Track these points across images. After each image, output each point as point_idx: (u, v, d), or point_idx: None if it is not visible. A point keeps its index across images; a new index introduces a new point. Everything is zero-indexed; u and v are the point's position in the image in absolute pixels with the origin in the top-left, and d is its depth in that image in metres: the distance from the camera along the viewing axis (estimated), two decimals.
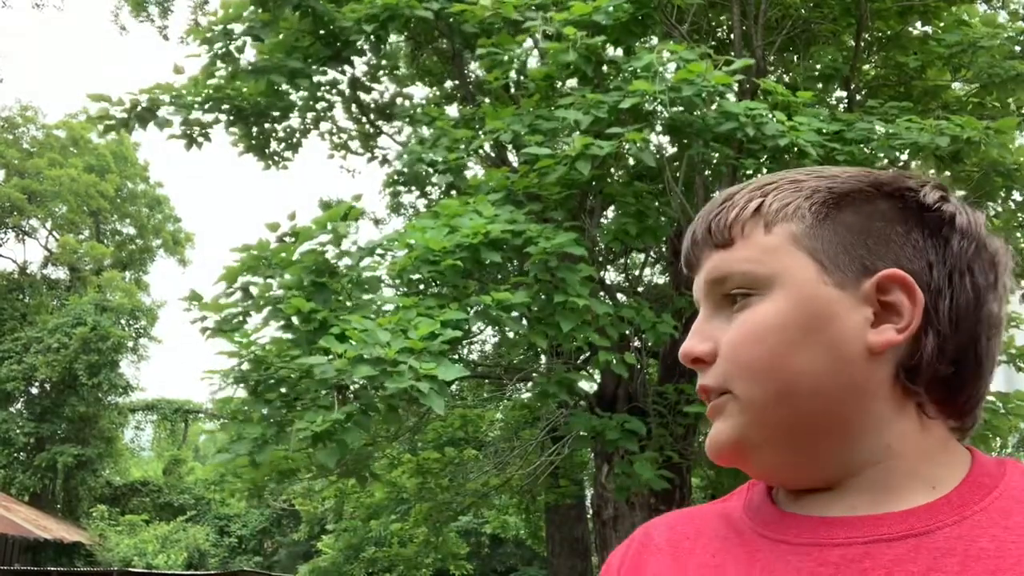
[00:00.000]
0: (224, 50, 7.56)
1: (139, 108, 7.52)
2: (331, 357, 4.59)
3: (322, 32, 7.60)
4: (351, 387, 4.80)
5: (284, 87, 7.71)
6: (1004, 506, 0.72)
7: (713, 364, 0.77)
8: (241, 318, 5.60)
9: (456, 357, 4.99)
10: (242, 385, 5.40)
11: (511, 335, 6.42)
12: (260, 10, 7.32)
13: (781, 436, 0.76)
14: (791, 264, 0.76)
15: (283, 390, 5.33)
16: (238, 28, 7.51)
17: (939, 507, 0.72)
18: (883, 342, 0.73)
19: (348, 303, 5.48)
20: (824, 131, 5.50)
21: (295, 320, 5.28)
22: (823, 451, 0.76)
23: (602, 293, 7.02)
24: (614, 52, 6.41)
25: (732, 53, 6.63)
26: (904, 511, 0.72)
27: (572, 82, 6.53)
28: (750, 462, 0.78)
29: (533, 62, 7.15)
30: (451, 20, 7.18)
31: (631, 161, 6.11)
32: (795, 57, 8.20)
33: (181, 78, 7.79)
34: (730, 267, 0.78)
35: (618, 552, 0.86)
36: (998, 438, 6.90)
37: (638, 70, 5.53)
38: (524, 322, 5.55)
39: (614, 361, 6.05)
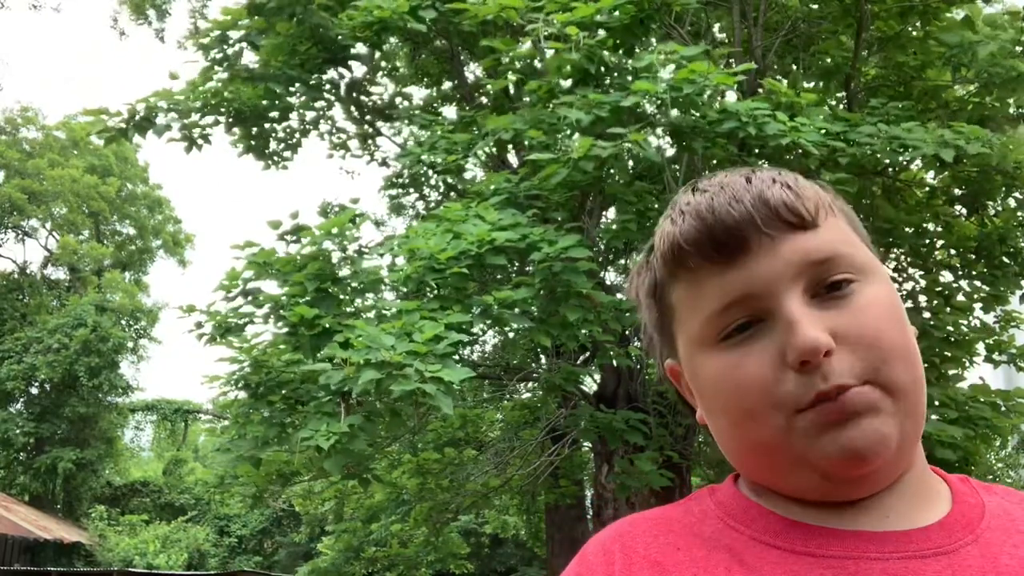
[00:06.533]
0: (221, 54, 7.56)
1: (137, 118, 7.50)
2: (336, 363, 4.57)
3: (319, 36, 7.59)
4: (355, 394, 4.79)
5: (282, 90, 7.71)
6: (1001, 524, 0.72)
7: (832, 356, 0.67)
8: (242, 321, 5.59)
9: (457, 359, 4.96)
10: (243, 387, 5.40)
11: (514, 336, 6.41)
12: (256, 17, 7.32)
13: (918, 430, 0.71)
14: (867, 252, 0.75)
15: (284, 392, 5.33)
16: (234, 35, 7.51)
17: (952, 525, 0.71)
18: None
19: (350, 308, 5.47)
20: (827, 131, 5.48)
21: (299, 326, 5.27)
22: (918, 448, 0.73)
23: (602, 293, 7.01)
24: (613, 55, 6.39)
25: (731, 58, 6.63)
26: (924, 528, 0.70)
27: (570, 82, 6.51)
28: (892, 466, 0.70)
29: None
30: (449, 23, 7.16)
31: (630, 162, 6.09)
32: (794, 61, 8.18)
33: (178, 83, 7.79)
34: (833, 249, 0.71)
35: (597, 570, 0.74)
36: (998, 438, 6.89)
37: (639, 71, 5.51)
38: (528, 321, 5.53)
39: (615, 358, 6.05)
